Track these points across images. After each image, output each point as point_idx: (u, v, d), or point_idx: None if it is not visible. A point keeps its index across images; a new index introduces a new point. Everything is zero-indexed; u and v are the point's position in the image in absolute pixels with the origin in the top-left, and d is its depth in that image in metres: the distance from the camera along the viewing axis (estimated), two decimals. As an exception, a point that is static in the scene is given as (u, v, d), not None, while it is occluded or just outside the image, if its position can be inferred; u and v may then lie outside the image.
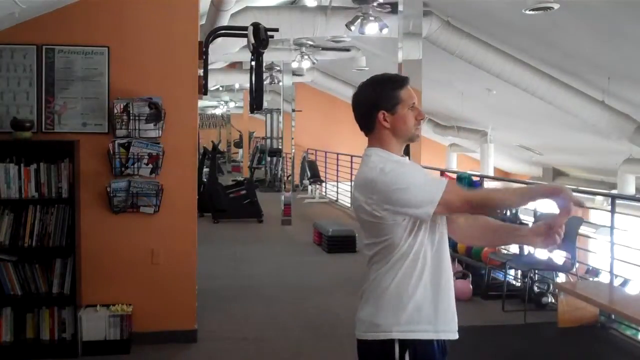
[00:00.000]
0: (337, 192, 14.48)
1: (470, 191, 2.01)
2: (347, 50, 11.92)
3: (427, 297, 1.95)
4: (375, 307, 1.97)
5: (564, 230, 2.00)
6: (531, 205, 6.46)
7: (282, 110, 11.93)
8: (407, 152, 4.97)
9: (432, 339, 1.95)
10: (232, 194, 10.84)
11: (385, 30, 7.38)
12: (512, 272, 6.18)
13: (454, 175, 7.43)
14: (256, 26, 4.59)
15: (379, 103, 2.00)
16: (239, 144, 25.07)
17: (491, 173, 13.87)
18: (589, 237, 7.25)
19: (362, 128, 2.08)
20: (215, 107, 25.61)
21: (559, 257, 5.61)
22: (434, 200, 1.88)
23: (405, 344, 1.93)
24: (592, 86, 8.75)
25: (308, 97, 18.23)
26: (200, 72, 4.59)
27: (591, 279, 6.90)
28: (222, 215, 10.53)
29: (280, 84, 12.35)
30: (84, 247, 4.25)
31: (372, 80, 2.06)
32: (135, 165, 4.26)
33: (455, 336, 2.01)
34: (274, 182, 16.50)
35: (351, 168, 13.51)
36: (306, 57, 11.29)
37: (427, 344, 1.94)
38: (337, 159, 14.88)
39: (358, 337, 2.01)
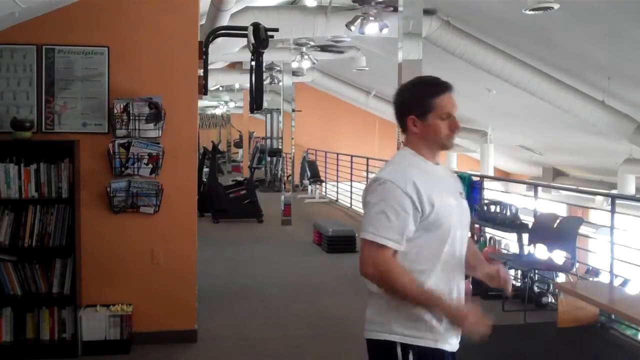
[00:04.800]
0: (337, 192, 14.48)
1: (391, 265, 1.89)
2: (341, 52, 11.90)
3: None
4: (378, 306, 1.97)
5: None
6: (532, 205, 6.46)
7: (282, 110, 11.94)
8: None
9: (432, 347, 1.94)
10: (232, 194, 10.84)
11: (385, 30, 7.38)
12: (512, 272, 6.18)
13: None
14: (256, 26, 4.59)
15: (410, 107, 1.97)
16: (239, 144, 25.07)
17: (491, 173, 13.88)
18: (589, 237, 7.25)
19: (399, 127, 2.07)
20: (215, 107, 25.61)
21: (559, 257, 5.61)
22: (367, 232, 1.89)
23: (406, 346, 1.93)
24: (592, 86, 8.76)
25: (308, 97, 18.24)
26: (200, 72, 4.59)
27: (591, 279, 6.90)
28: (222, 215, 10.53)
29: (280, 84, 12.35)
30: (84, 247, 4.25)
31: (412, 81, 2.02)
32: (135, 165, 4.26)
33: (454, 349, 2.01)
34: (274, 182, 16.50)
35: (351, 168, 13.52)
36: (306, 57, 11.29)
37: (431, 350, 1.94)
38: (337, 159, 14.88)
39: (365, 335, 2.02)
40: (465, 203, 2.09)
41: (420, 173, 1.95)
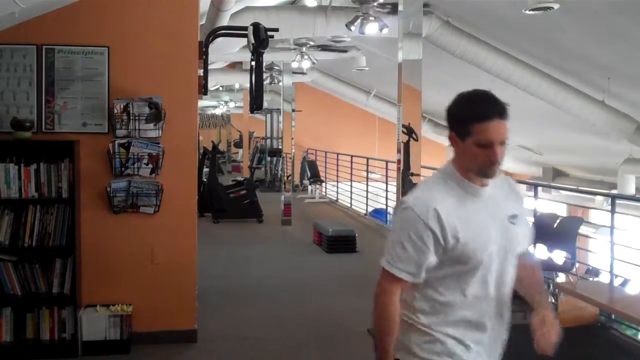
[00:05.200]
0: (337, 192, 14.48)
1: (392, 308, 1.82)
2: (345, 51, 11.90)
3: (459, 335, 1.83)
4: (401, 325, 1.88)
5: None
6: (532, 205, 6.46)
7: (282, 110, 11.94)
8: (407, 151, 4.89)
9: None
10: (232, 194, 10.84)
11: (385, 30, 7.37)
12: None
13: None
14: (256, 26, 4.59)
15: (452, 123, 1.81)
16: (239, 144, 25.06)
17: (491, 173, 13.86)
18: (589, 237, 7.25)
19: None
20: (215, 107, 25.61)
21: (559, 257, 5.61)
22: (384, 259, 1.82)
23: None
24: (592, 86, 8.76)
25: (308, 97, 18.24)
26: (200, 72, 4.59)
27: (591, 279, 6.90)
28: (222, 215, 10.53)
29: (280, 84, 12.35)
30: (84, 247, 4.25)
31: (465, 96, 1.80)
32: (135, 165, 4.26)
33: None
34: (274, 182, 16.51)
35: (351, 168, 13.52)
36: (306, 57, 11.29)
37: None
38: (337, 159, 14.89)
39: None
40: (517, 228, 1.89)
41: (450, 198, 1.80)
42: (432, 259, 1.78)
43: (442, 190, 1.82)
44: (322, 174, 15.62)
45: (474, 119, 1.73)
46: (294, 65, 11.56)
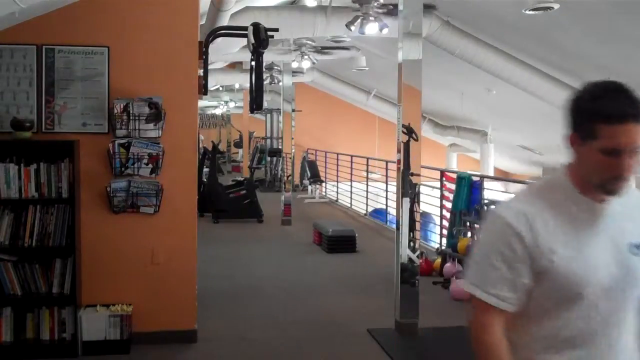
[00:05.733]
0: (337, 192, 14.49)
1: (493, 344, 1.49)
2: (347, 49, 11.90)
3: None
4: None
5: None
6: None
7: (282, 110, 11.94)
8: (407, 151, 4.88)
9: None
10: (232, 194, 10.85)
11: (385, 30, 7.38)
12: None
13: (454, 176, 7.43)
14: (256, 26, 4.60)
15: (574, 121, 1.48)
16: (239, 144, 25.07)
17: (491, 173, 13.88)
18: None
19: None
20: (215, 107, 25.62)
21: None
22: (469, 282, 1.52)
23: None
24: (592, 86, 8.76)
25: (308, 97, 18.24)
26: (200, 72, 4.59)
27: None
28: (222, 215, 10.53)
29: (280, 84, 12.35)
30: (84, 247, 4.25)
31: (595, 87, 1.47)
32: (135, 165, 4.26)
33: None
34: (274, 182, 16.51)
35: (351, 168, 13.52)
36: (306, 57, 11.29)
37: None
38: (337, 159, 14.89)
39: None
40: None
41: (552, 211, 1.46)
42: (526, 280, 1.45)
43: (545, 200, 1.49)
44: (322, 174, 15.63)
45: (604, 118, 1.38)
46: (294, 65, 11.56)
